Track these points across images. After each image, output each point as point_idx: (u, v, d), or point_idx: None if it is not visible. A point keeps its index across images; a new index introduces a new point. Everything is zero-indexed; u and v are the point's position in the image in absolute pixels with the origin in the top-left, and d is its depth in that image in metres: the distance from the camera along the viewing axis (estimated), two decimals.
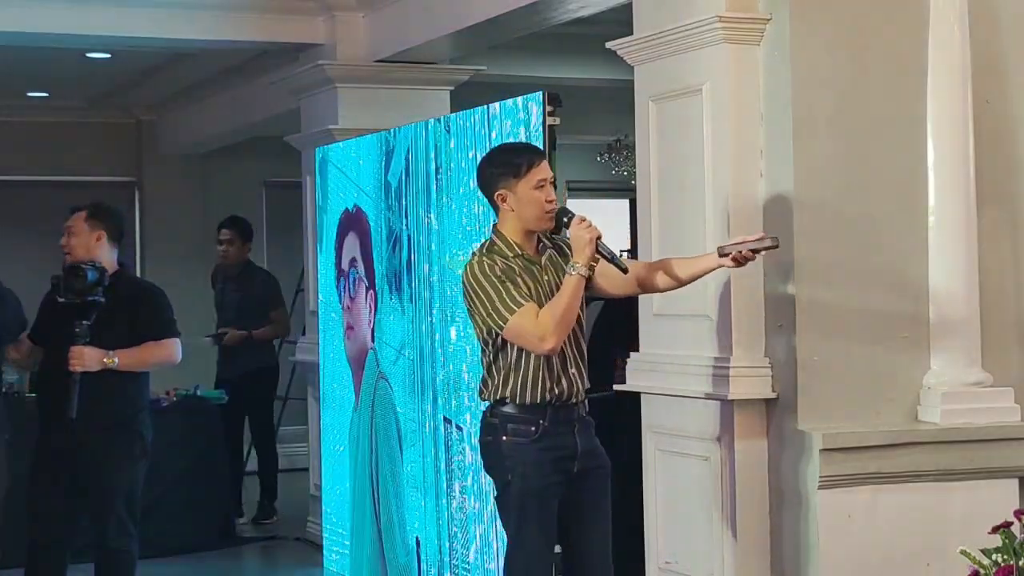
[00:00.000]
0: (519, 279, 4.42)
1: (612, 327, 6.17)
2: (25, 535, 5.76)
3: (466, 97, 7.80)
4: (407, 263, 6.31)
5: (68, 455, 5.52)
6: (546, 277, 4.48)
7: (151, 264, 11.56)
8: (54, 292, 5.62)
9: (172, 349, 5.68)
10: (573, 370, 4.50)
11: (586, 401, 4.56)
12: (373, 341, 6.59)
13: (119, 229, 5.79)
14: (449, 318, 5.93)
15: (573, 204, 12.55)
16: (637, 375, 5.30)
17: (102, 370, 5.47)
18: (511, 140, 5.40)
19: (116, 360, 5.49)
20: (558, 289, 4.41)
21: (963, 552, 4.19)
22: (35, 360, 5.90)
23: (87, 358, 5.46)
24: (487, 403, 4.51)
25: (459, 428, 5.88)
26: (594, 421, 4.60)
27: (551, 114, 5.42)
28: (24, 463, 5.77)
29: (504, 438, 4.44)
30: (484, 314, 4.40)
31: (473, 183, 4.88)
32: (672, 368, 5.12)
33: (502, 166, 4.51)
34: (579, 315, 4.48)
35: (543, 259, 4.51)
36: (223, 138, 11.01)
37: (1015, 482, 4.88)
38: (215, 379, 9.00)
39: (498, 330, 4.38)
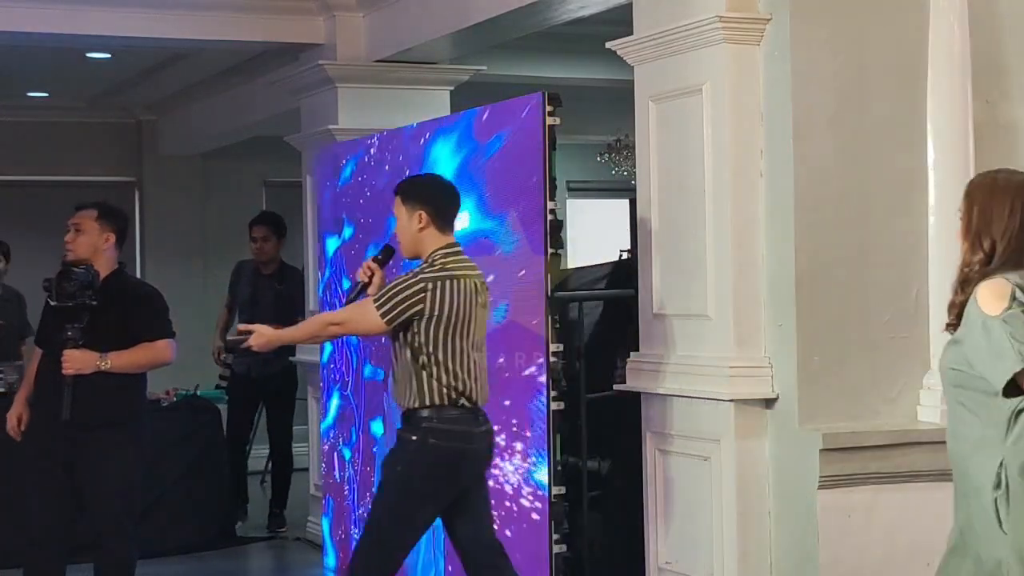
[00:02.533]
0: None
1: (612, 327, 6.18)
2: (24, 535, 5.76)
3: (466, 97, 7.80)
4: None
5: (65, 456, 5.52)
6: None
7: (151, 264, 11.57)
8: (46, 295, 5.61)
9: (166, 350, 5.66)
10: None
11: (404, 412, 4.81)
12: None
13: (126, 232, 5.80)
14: None
15: (573, 204, 12.59)
16: (637, 375, 5.30)
17: (98, 372, 5.46)
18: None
19: (109, 363, 5.48)
20: None
21: None
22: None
23: (80, 361, 5.46)
24: None
25: None
26: (403, 434, 4.78)
27: (551, 114, 5.42)
28: (22, 463, 5.77)
29: None
30: None
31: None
32: (672, 368, 5.12)
33: None
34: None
35: None
36: (223, 138, 11.01)
37: None
38: (236, 376, 8.69)
39: None
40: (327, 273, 7.21)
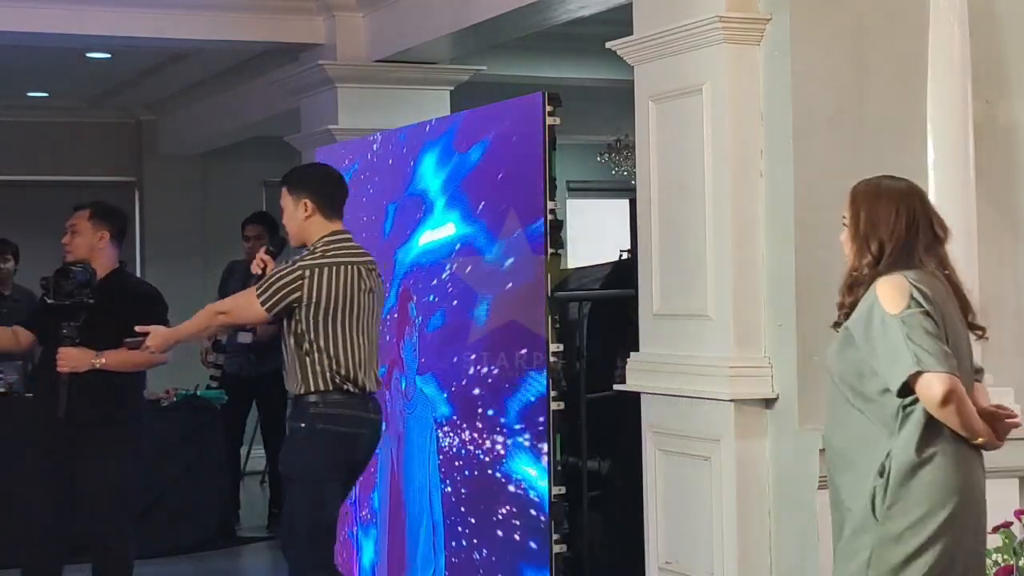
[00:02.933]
0: None
1: (612, 327, 6.18)
2: (23, 535, 5.76)
3: (466, 97, 7.80)
4: None
5: (64, 455, 5.51)
6: None
7: (151, 264, 11.57)
8: (43, 293, 5.63)
9: None
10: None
11: (293, 399, 5.04)
12: None
13: (122, 229, 5.81)
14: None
15: (573, 204, 12.60)
16: (637, 375, 5.29)
17: (94, 370, 5.45)
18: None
19: (104, 360, 5.47)
20: None
21: None
22: (29, 352, 5.95)
23: (75, 359, 5.45)
24: None
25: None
26: (293, 423, 4.99)
27: (551, 114, 5.43)
28: (21, 463, 5.77)
29: None
30: None
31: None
32: (672, 368, 5.12)
33: None
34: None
35: None
36: (223, 138, 11.01)
37: (1015, 482, 4.88)
38: (228, 376, 8.78)
39: None
40: None
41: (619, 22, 5.62)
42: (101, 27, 7.62)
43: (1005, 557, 4.16)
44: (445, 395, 6.01)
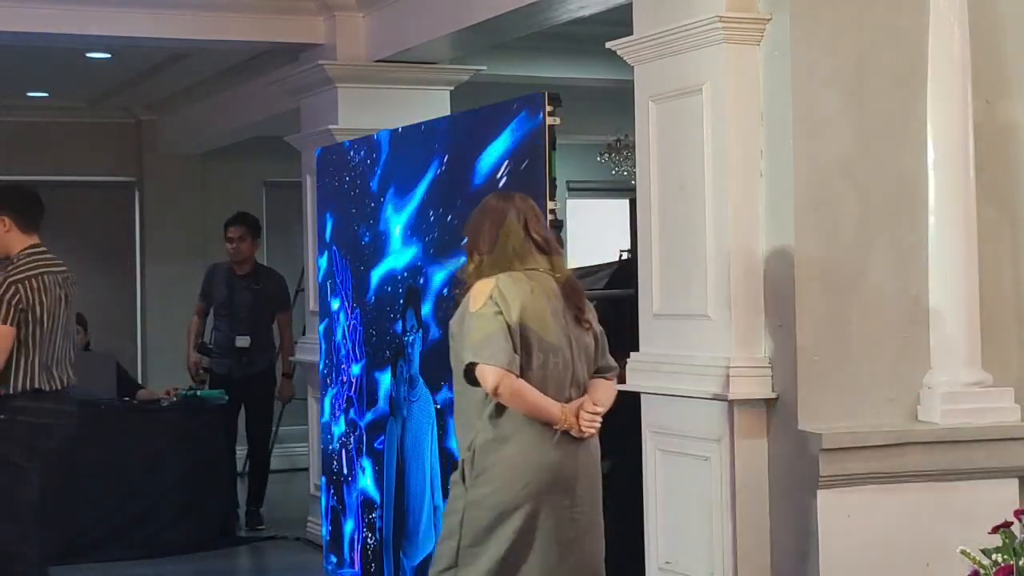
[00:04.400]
0: None
1: (611, 327, 6.17)
2: None
3: (466, 97, 7.80)
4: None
5: None
6: None
7: (151, 263, 11.55)
8: None
9: None
10: None
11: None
12: None
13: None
14: None
15: (573, 204, 12.61)
16: (637, 375, 5.29)
17: None
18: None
19: None
20: None
21: (963, 552, 4.18)
22: None
23: None
24: None
25: None
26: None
27: (551, 114, 5.43)
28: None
29: None
30: None
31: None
32: (672, 368, 5.12)
33: None
34: None
35: None
36: (223, 138, 11.01)
37: (1015, 482, 4.88)
38: (216, 377, 8.77)
39: None
40: (323, 288, 7.23)
41: (619, 22, 5.62)
42: (101, 27, 7.62)
43: (1005, 557, 4.15)
44: (447, 390, 6.02)
